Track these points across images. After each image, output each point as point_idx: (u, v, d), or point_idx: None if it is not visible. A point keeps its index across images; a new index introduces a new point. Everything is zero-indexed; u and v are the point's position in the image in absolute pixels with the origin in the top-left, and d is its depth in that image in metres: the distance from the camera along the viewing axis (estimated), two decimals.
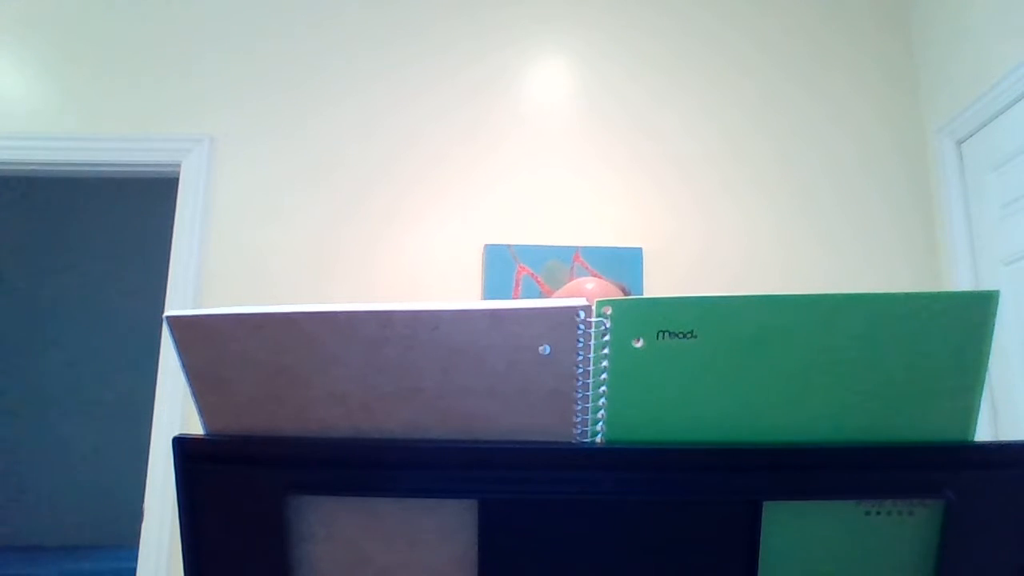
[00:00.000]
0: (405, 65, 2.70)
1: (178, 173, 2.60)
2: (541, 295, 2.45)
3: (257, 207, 2.58)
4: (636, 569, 0.51)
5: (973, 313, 0.49)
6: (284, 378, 0.51)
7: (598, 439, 0.52)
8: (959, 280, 2.42)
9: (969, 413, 0.51)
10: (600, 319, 0.50)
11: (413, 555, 0.52)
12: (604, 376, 0.50)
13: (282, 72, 2.69)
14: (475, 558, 0.51)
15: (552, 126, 2.67)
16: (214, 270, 2.52)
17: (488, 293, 2.48)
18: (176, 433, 0.52)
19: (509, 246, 2.51)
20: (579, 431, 0.51)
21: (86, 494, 5.39)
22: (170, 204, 2.62)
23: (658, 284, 2.51)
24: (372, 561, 0.52)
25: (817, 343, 0.50)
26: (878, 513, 0.52)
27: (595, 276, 2.40)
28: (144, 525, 2.34)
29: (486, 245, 2.52)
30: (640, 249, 2.53)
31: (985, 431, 2.23)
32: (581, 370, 0.50)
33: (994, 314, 0.50)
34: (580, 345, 0.50)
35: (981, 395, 0.51)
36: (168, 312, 0.51)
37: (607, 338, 0.50)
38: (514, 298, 2.48)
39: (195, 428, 0.53)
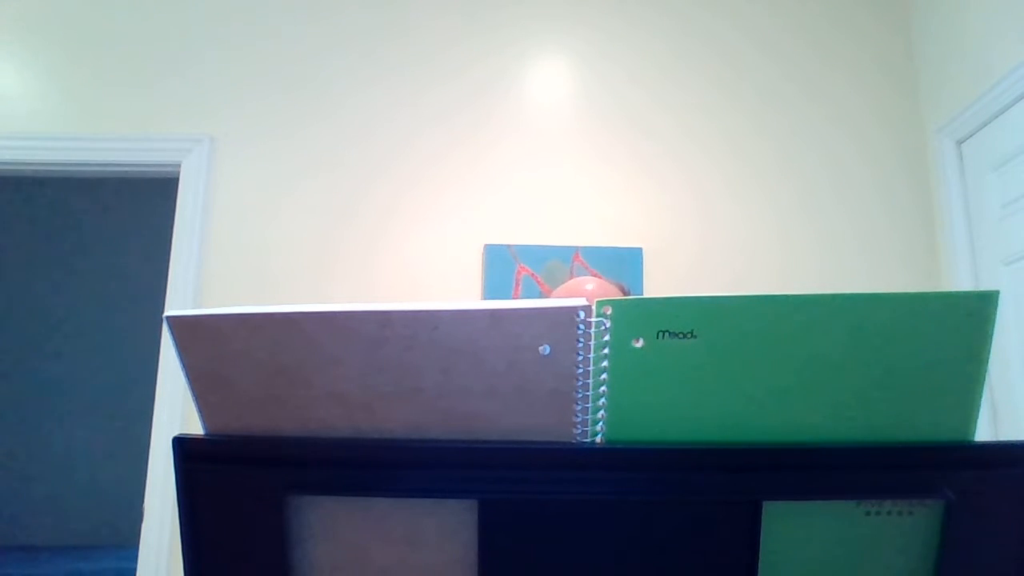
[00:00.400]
0: (405, 65, 2.70)
1: (178, 173, 2.60)
2: (541, 295, 2.45)
3: (257, 207, 2.58)
4: (636, 569, 0.51)
5: (973, 313, 0.49)
6: (284, 378, 0.51)
7: (598, 439, 0.52)
8: (959, 280, 2.42)
9: (969, 413, 0.51)
10: (600, 319, 0.50)
11: (413, 555, 0.52)
12: (604, 376, 0.50)
13: (282, 72, 2.69)
14: (475, 558, 0.51)
15: (552, 126, 2.67)
16: (214, 270, 2.52)
17: (488, 293, 2.48)
18: (176, 433, 0.52)
19: (509, 246, 2.51)
20: (579, 431, 0.51)
21: (86, 494, 5.39)
22: (170, 204, 2.62)
23: (658, 284, 2.51)
24: (372, 561, 0.52)
25: (817, 343, 0.50)
26: (878, 513, 0.52)
27: (595, 276, 2.40)
28: (144, 525, 2.34)
29: (486, 245, 2.52)
30: (640, 249, 2.53)
31: (985, 431, 2.23)
32: (581, 370, 0.50)
33: (994, 314, 0.50)
34: (580, 345, 0.50)
35: (981, 395, 0.51)
36: (168, 312, 0.51)
37: (607, 338, 0.50)
38: (514, 298, 2.48)
39: (195, 428, 0.53)
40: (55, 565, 4.66)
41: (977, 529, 0.51)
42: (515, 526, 0.51)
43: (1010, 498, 0.51)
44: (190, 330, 0.51)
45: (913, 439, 0.51)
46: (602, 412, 0.51)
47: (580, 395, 0.50)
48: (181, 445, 0.52)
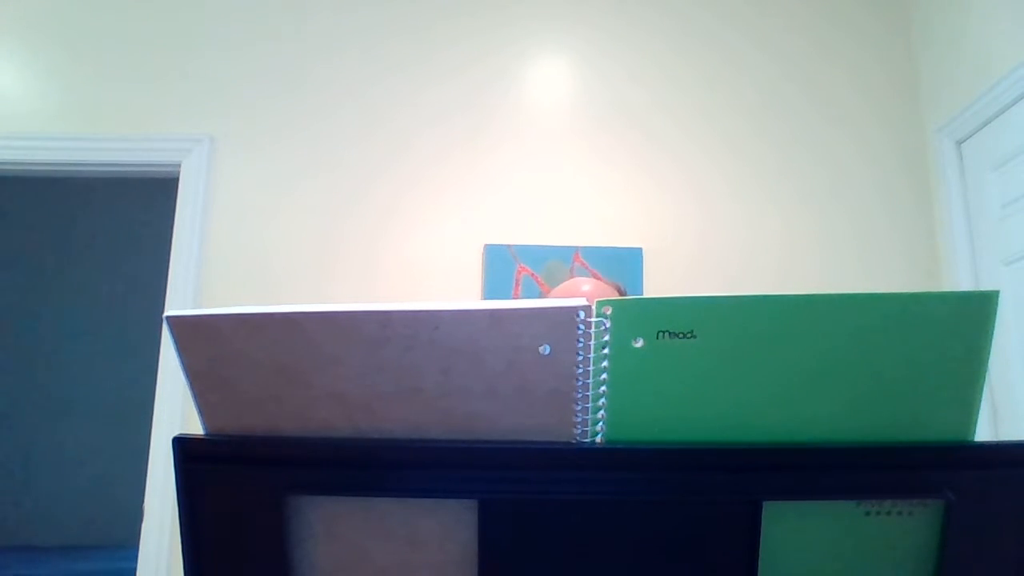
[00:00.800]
0: (405, 65, 2.70)
1: (178, 173, 2.60)
2: (541, 295, 2.45)
3: (257, 207, 2.58)
4: (636, 569, 0.51)
5: (973, 313, 0.49)
6: (284, 378, 0.51)
7: (598, 439, 0.52)
8: (959, 280, 2.42)
9: (969, 413, 0.51)
10: (600, 319, 0.50)
11: (413, 555, 0.52)
12: (604, 376, 0.50)
13: (282, 72, 2.69)
14: (475, 558, 0.51)
15: (552, 126, 2.67)
16: (214, 270, 2.52)
17: (488, 293, 2.48)
18: (176, 433, 0.52)
19: (509, 246, 2.51)
20: (579, 431, 0.51)
21: (86, 494, 5.39)
22: (170, 204, 2.62)
23: (658, 284, 2.51)
24: (372, 561, 0.52)
25: (817, 343, 0.50)
26: (878, 513, 0.52)
27: (595, 276, 2.40)
28: (144, 525, 2.34)
29: (486, 245, 2.52)
30: (640, 249, 2.53)
31: (985, 431, 2.23)
32: (581, 370, 0.50)
33: (994, 314, 0.50)
34: (580, 345, 0.50)
35: (981, 395, 0.51)
36: (168, 312, 0.51)
37: (607, 338, 0.50)
38: (514, 298, 2.48)
39: (195, 428, 0.53)
40: (55, 565, 4.67)
41: (977, 529, 0.51)
42: (515, 526, 0.51)
43: (1010, 498, 0.51)
44: (190, 330, 0.51)
45: (913, 439, 0.51)
46: (602, 412, 0.51)
47: (580, 395, 0.50)
48: (181, 445, 0.52)
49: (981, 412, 1.23)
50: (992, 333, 0.50)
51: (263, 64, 2.69)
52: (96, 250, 5.71)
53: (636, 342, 0.50)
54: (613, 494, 0.50)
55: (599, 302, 0.50)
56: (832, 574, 0.52)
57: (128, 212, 5.69)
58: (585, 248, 2.52)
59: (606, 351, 0.50)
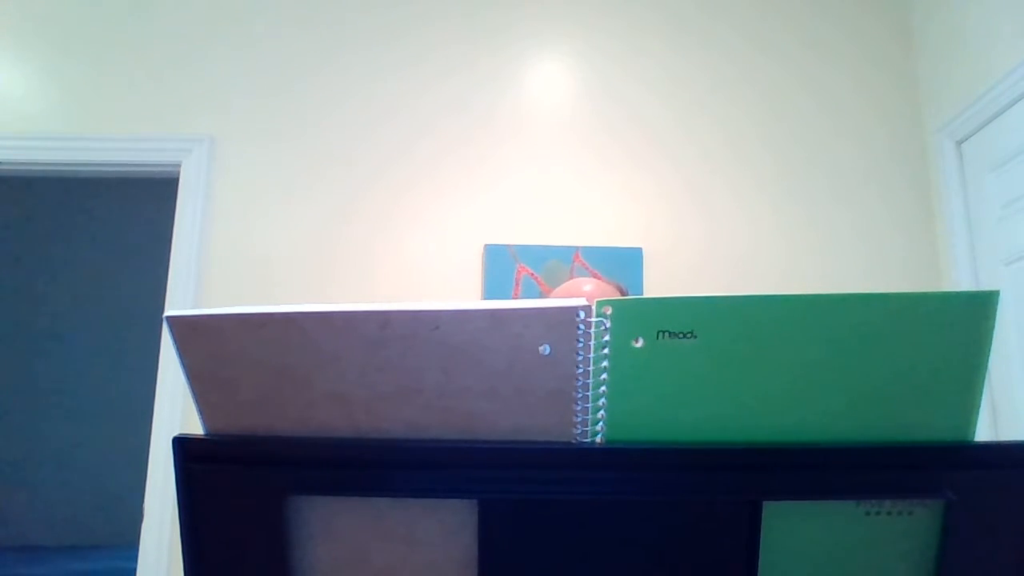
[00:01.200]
0: (405, 65, 2.70)
1: (178, 173, 2.60)
2: (541, 295, 2.45)
3: (257, 207, 2.58)
4: (636, 569, 0.51)
5: (973, 313, 0.49)
6: (284, 378, 0.51)
7: (598, 439, 0.52)
8: (959, 280, 2.42)
9: (969, 413, 0.51)
10: (600, 319, 0.50)
11: (413, 555, 0.52)
12: (604, 376, 0.50)
13: (282, 72, 2.69)
14: (475, 558, 0.51)
15: (552, 126, 2.67)
16: (214, 270, 2.52)
17: (488, 293, 2.48)
18: (176, 433, 0.52)
19: (509, 246, 2.51)
20: (579, 431, 0.51)
21: (86, 494, 5.39)
22: (170, 204, 2.62)
23: (658, 284, 2.51)
24: (372, 561, 0.52)
25: (817, 343, 0.50)
26: (878, 513, 0.52)
27: (595, 276, 2.40)
28: (144, 525, 2.34)
29: (486, 245, 2.52)
30: (640, 249, 2.53)
31: (985, 431, 2.23)
32: (581, 370, 0.50)
33: (994, 314, 0.50)
34: (580, 345, 0.50)
35: (981, 395, 0.51)
36: (168, 312, 0.51)
37: (607, 338, 0.50)
38: (514, 298, 2.48)
39: (195, 428, 0.53)
40: (55, 565, 4.67)
41: (977, 529, 0.51)
42: (515, 526, 0.51)
43: (1010, 498, 0.51)
44: (190, 330, 0.51)
45: (913, 439, 0.51)
46: (602, 412, 0.51)
47: (580, 395, 0.50)
48: (181, 445, 0.52)
49: (981, 412, 1.23)
50: (992, 333, 0.50)
51: (263, 64, 2.69)
52: (96, 250, 5.70)
53: (636, 342, 0.50)
54: (613, 494, 0.50)
55: (599, 302, 0.50)
56: (832, 574, 0.52)
57: (128, 212, 5.69)
58: (585, 248, 2.52)
59: (606, 351, 0.50)
